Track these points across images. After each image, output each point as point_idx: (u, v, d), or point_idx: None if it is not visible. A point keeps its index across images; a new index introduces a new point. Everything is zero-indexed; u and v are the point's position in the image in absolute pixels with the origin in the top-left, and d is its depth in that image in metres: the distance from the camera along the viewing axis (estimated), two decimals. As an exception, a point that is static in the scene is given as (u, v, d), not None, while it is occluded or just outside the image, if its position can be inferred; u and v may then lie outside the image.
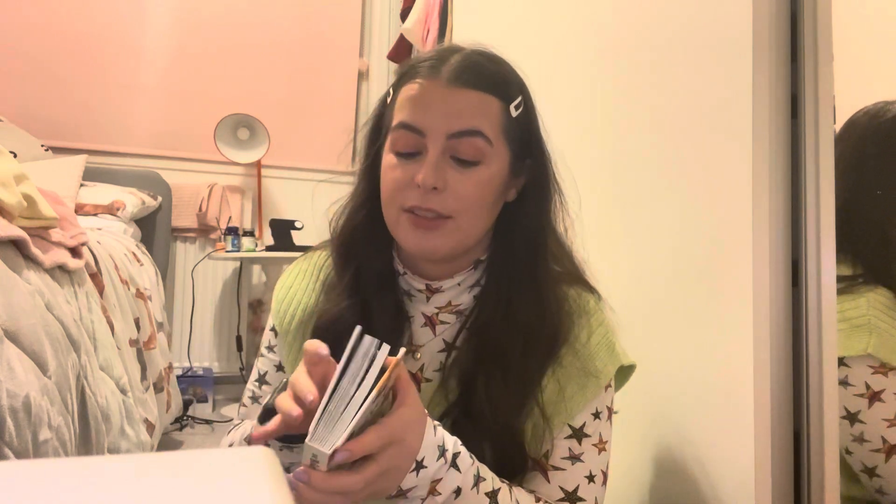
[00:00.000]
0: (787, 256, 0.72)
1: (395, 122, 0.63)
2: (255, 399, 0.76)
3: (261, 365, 0.77)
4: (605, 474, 0.66)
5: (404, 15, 2.63)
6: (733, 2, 0.75)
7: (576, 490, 0.63)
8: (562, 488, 0.63)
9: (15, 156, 1.70)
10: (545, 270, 0.67)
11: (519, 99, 0.65)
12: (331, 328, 0.67)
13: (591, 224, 1.12)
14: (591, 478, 0.64)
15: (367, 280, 0.68)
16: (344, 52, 2.98)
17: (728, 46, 0.76)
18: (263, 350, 0.77)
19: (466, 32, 1.91)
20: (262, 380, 0.76)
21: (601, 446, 0.65)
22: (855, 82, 0.96)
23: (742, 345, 0.71)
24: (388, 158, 0.64)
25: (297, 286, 0.75)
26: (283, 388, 0.54)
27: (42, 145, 2.40)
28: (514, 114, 0.64)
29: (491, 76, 0.63)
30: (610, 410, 0.68)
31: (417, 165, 0.61)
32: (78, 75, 2.58)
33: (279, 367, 0.75)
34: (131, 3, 2.64)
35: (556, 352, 0.65)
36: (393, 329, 0.67)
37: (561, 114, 1.26)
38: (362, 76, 3.05)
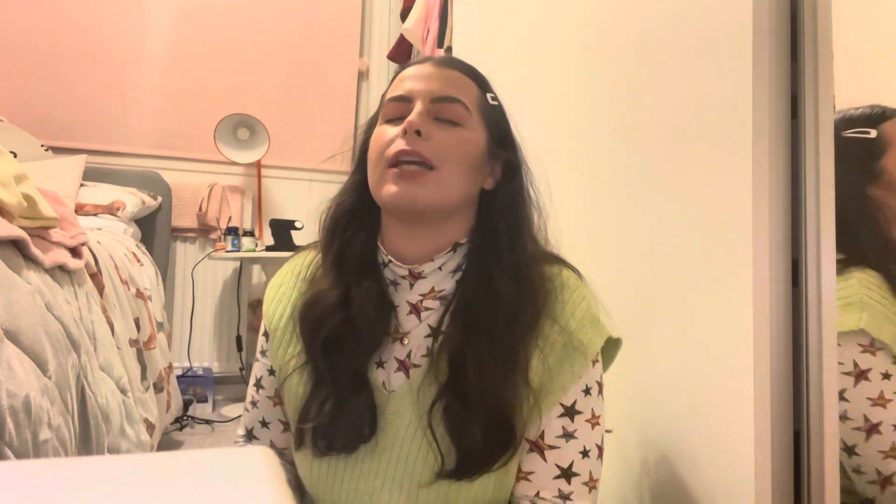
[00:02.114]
0: (787, 256, 0.71)
1: (385, 100, 0.70)
2: (254, 404, 0.78)
3: (256, 370, 0.78)
4: (599, 448, 0.67)
5: (404, 15, 2.63)
6: (733, 2, 0.75)
7: (570, 466, 0.65)
8: (557, 465, 0.65)
9: (15, 156, 1.70)
10: (524, 251, 0.69)
11: (494, 95, 0.73)
12: (313, 308, 0.68)
13: (591, 224, 1.12)
14: (585, 453, 0.66)
15: (349, 262, 0.70)
16: (344, 52, 2.98)
17: (728, 46, 0.76)
18: (258, 355, 0.78)
19: (466, 32, 1.91)
20: (258, 384, 0.77)
21: (594, 421, 0.67)
22: (855, 82, 0.96)
23: (742, 345, 0.71)
24: (376, 130, 0.69)
25: (287, 284, 0.76)
26: None
27: (42, 145, 2.40)
28: (491, 102, 0.72)
29: (471, 68, 0.74)
30: (600, 386, 0.69)
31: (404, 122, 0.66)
32: (78, 75, 2.58)
33: (271, 372, 0.76)
34: (131, 3, 2.64)
35: (537, 319, 0.66)
36: (376, 318, 0.68)
37: (561, 113, 1.26)
38: (362, 76, 3.05)
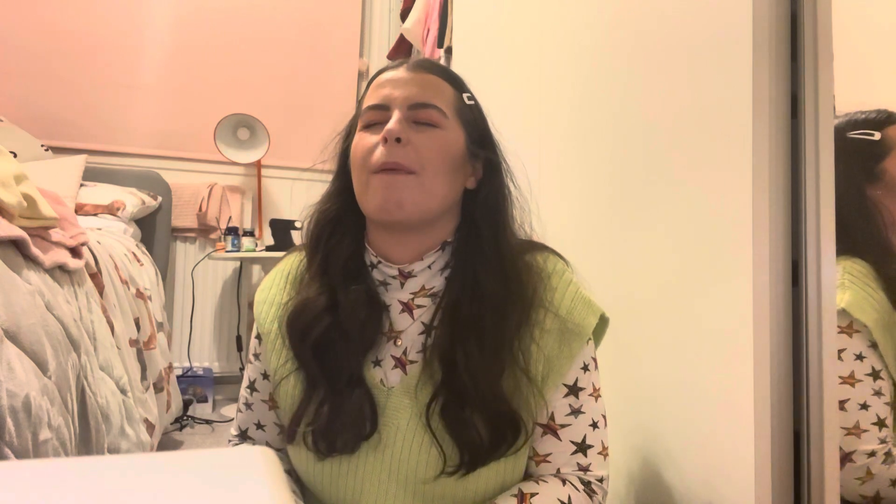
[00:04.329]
0: (787, 256, 0.71)
1: (363, 108, 0.71)
2: (248, 406, 0.78)
3: (250, 372, 0.78)
4: (604, 418, 0.71)
5: (404, 15, 2.64)
6: (733, 2, 0.75)
7: (584, 439, 0.69)
8: (572, 442, 0.69)
9: (15, 156, 1.70)
10: (507, 246, 0.71)
11: (470, 95, 0.74)
12: (300, 316, 0.69)
13: (590, 223, 1.12)
14: (594, 425, 0.70)
15: (335, 269, 0.70)
16: (344, 52, 2.98)
17: (728, 46, 0.76)
18: (251, 357, 0.78)
19: (466, 32, 1.91)
20: (252, 387, 0.77)
21: (596, 394, 0.71)
22: (855, 82, 0.97)
23: (742, 345, 0.71)
24: (356, 138, 0.70)
25: (276, 286, 0.77)
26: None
27: (42, 145, 2.40)
28: (467, 102, 0.73)
29: (446, 70, 0.75)
30: (595, 361, 0.72)
31: (383, 129, 0.67)
32: (78, 75, 2.58)
33: (265, 376, 0.76)
34: (131, 3, 2.64)
35: (528, 313, 0.68)
36: (367, 319, 0.68)
37: (560, 113, 1.26)
38: (362, 76, 3.05)
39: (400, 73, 0.71)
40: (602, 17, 1.12)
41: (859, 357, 0.82)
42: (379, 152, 0.66)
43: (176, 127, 2.73)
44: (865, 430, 0.80)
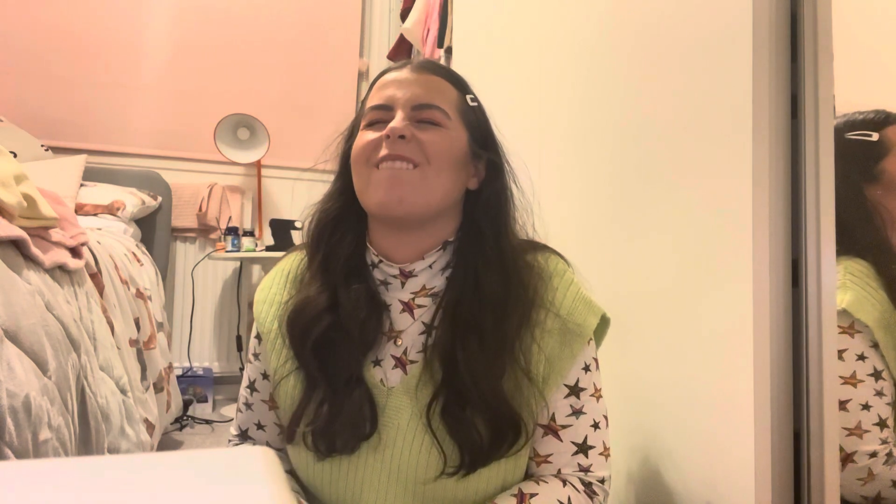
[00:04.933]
0: (787, 256, 0.71)
1: (366, 108, 0.71)
2: (248, 406, 0.78)
3: (249, 372, 0.78)
4: (605, 418, 0.71)
5: (404, 15, 2.64)
6: (733, 2, 0.75)
7: (585, 440, 0.69)
8: (573, 442, 0.69)
9: (15, 156, 1.70)
10: (509, 246, 0.71)
11: (473, 96, 0.74)
12: (301, 315, 0.69)
13: (590, 223, 1.12)
14: (595, 426, 0.70)
15: (336, 267, 0.70)
16: (344, 52, 2.98)
17: (728, 46, 0.76)
18: (251, 357, 0.78)
19: (466, 32, 1.91)
20: (251, 387, 0.77)
21: (597, 395, 0.71)
22: (855, 82, 0.97)
23: (742, 344, 0.71)
24: (358, 136, 0.70)
25: (277, 285, 0.77)
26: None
27: (42, 145, 2.40)
28: (470, 104, 0.73)
29: (449, 71, 0.75)
30: (596, 361, 0.72)
31: (386, 127, 0.67)
32: (78, 75, 2.58)
33: (265, 376, 0.76)
34: (131, 3, 2.64)
35: (529, 314, 0.68)
36: (367, 318, 0.68)
37: (561, 112, 1.26)
38: (362, 76, 3.05)
39: (403, 73, 0.71)
40: (602, 17, 1.12)
41: (861, 357, 0.82)
42: (382, 147, 0.66)
43: (176, 127, 2.73)
44: (867, 431, 0.80)
